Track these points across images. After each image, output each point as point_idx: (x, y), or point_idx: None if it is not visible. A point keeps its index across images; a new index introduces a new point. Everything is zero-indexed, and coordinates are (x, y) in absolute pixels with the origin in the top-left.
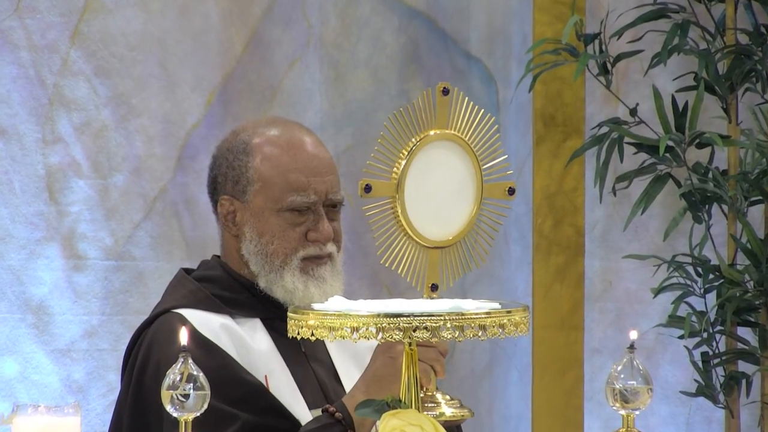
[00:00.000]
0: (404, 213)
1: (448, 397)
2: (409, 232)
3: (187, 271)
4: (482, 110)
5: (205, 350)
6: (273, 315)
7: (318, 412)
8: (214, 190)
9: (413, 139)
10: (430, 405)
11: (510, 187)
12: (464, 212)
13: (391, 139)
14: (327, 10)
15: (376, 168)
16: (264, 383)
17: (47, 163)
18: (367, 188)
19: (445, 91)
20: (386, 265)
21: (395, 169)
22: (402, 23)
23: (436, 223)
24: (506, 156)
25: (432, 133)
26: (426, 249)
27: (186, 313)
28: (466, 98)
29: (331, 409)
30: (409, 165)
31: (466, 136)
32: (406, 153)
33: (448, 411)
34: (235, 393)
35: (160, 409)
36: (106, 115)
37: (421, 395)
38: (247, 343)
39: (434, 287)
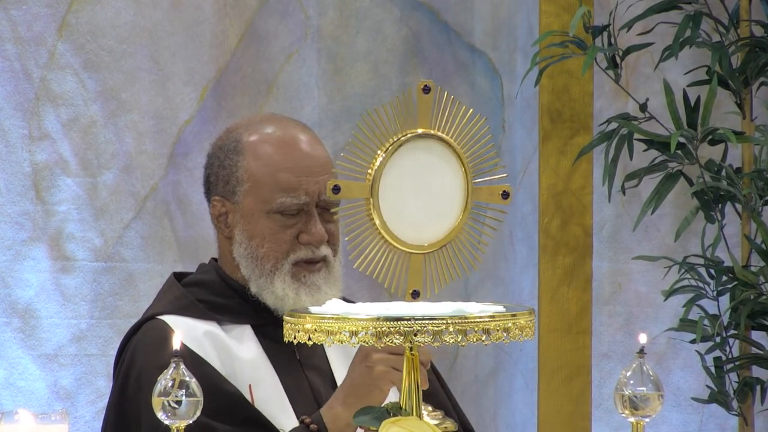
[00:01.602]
0: (379, 215)
1: (430, 408)
2: (385, 235)
3: (180, 275)
4: (471, 110)
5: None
6: (264, 321)
7: None
8: (208, 190)
9: (390, 139)
10: None
11: (504, 191)
12: (449, 217)
13: (365, 138)
14: (325, 1)
15: (349, 168)
16: (248, 393)
17: (33, 160)
18: (335, 189)
19: (426, 89)
20: (360, 269)
21: (369, 170)
22: (403, 15)
23: (416, 228)
24: (499, 159)
25: (412, 133)
26: (406, 254)
27: (169, 319)
28: (452, 97)
29: (307, 420)
30: (385, 165)
31: (453, 137)
32: (381, 153)
33: (431, 423)
34: (213, 404)
35: (139, 419)
36: (95, 110)
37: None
38: (232, 351)
39: (415, 294)
